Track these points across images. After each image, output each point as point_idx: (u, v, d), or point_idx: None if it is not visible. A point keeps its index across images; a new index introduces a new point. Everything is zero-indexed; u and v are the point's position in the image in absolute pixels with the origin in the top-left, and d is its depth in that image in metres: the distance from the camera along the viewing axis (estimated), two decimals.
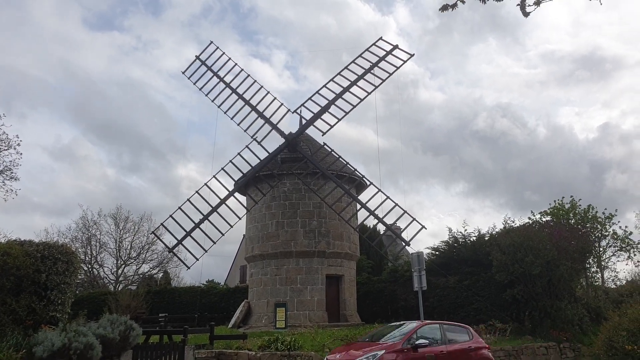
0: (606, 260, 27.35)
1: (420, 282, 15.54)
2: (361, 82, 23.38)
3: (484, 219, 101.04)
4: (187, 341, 15.11)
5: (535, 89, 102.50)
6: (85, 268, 37.27)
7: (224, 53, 24.73)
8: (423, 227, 21.12)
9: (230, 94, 23.90)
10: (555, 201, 26.24)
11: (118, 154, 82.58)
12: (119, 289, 34.95)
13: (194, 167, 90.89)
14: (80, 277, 35.94)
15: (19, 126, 76.32)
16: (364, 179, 24.68)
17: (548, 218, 25.12)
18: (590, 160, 76.88)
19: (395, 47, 23.79)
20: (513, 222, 23.60)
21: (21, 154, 16.88)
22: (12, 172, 16.88)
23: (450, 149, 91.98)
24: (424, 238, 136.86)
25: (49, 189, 73.75)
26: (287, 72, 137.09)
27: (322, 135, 23.02)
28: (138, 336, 13.73)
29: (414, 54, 23.67)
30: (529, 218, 24.22)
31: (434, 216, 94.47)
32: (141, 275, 38.71)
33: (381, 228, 23.92)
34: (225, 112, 23.73)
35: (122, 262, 37.52)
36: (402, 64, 23.57)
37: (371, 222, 22.59)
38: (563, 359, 17.83)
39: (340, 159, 23.63)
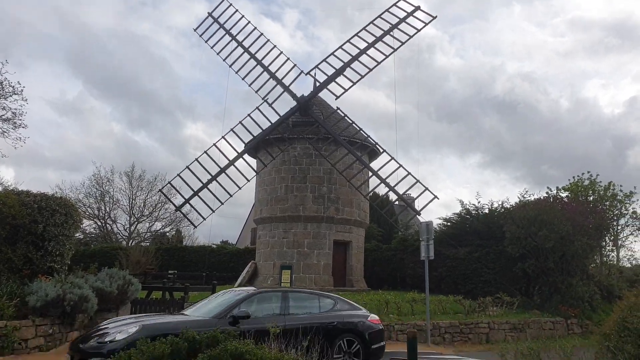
0: (623, 239, 26.65)
1: (427, 251, 15.12)
2: (378, 45, 22.48)
3: (499, 192, 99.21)
4: (187, 298, 15.12)
5: (561, 58, 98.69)
6: (99, 223, 37.82)
7: (237, 10, 23.99)
8: (435, 196, 20.83)
9: (242, 53, 23.28)
10: (574, 177, 25.56)
11: (125, 108, 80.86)
12: (132, 244, 35.39)
13: (201, 126, 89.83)
14: (86, 230, 36.55)
15: (19, 76, 76.08)
16: (377, 146, 24.10)
17: (566, 194, 24.40)
18: (613, 135, 74.28)
19: (417, 8, 22.74)
20: (531, 195, 23.05)
21: (26, 100, 16.64)
22: (19, 119, 16.72)
23: (467, 117, 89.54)
24: (437, 209, 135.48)
25: (58, 143, 73.97)
26: (300, 33, 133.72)
27: (336, 99, 22.36)
28: (137, 291, 13.77)
29: (436, 16, 22.60)
30: (547, 193, 23.53)
31: (448, 188, 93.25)
32: (153, 233, 39.16)
33: (393, 197, 23.46)
34: (236, 72, 23.23)
35: (134, 219, 37.95)
36: (424, 26, 22.58)
37: (383, 190, 22.15)
38: (570, 334, 17.50)
39: (353, 124, 23.00)
